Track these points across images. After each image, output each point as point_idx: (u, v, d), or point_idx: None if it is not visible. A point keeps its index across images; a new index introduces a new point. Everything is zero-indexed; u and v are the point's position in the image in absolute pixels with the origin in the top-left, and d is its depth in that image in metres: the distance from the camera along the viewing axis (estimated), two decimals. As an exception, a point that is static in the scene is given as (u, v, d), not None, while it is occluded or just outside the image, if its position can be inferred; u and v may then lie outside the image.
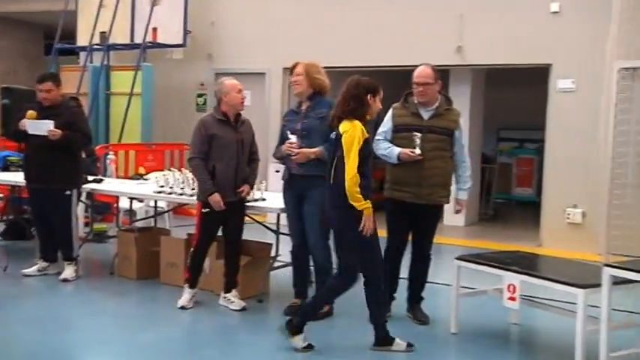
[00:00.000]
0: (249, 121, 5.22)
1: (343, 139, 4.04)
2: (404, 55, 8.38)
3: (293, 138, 4.82)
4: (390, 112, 4.85)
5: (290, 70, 5.01)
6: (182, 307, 5.08)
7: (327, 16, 9.44)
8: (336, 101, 4.22)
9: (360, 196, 3.99)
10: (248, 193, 5.15)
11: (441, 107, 4.78)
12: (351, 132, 4.03)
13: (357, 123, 4.07)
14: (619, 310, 4.35)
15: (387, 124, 4.82)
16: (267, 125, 9.49)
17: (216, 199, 4.89)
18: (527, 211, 10.65)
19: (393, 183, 4.79)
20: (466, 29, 8.48)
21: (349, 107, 4.09)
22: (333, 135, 4.19)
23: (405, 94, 4.87)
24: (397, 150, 4.67)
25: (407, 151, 4.63)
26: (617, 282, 3.80)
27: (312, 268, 5.09)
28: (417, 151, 4.61)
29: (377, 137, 4.80)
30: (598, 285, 3.81)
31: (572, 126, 7.92)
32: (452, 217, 9.62)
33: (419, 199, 4.70)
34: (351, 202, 3.99)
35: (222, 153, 4.92)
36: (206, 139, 4.91)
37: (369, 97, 4.15)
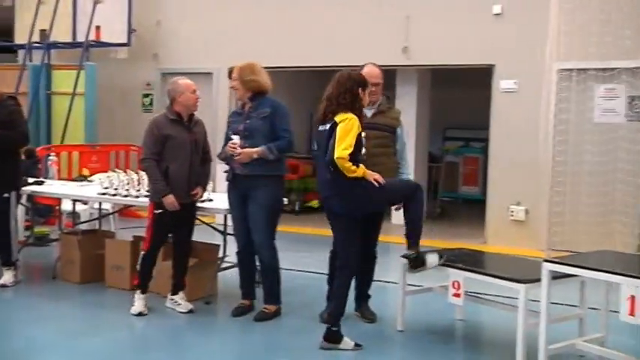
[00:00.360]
0: (202, 121, 5.16)
1: (340, 126, 4.06)
2: (351, 55, 8.40)
3: (235, 138, 4.82)
4: None
5: (228, 74, 5.03)
6: (139, 314, 4.97)
7: (275, 16, 9.42)
8: (327, 95, 4.23)
9: (352, 165, 4.04)
10: (201, 196, 5.10)
11: (382, 105, 4.87)
12: (350, 121, 4.08)
13: (353, 115, 4.12)
14: (559, 304, 4.47)
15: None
16: (214, 126, 9.39)
17: (170, 200, 4.82)
18: (473, 209, 10.85)
19: None
20: (412, 30, 8.59)
21: (345, 101, 4.15)
22: (327, 126, 4.17)
23: None
24: None
25: None
26: (557, 277, 3.91)
27: (258, 268, 5.08)
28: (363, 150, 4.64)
29: None
30: (538, 280, 3.91)
31: (514, 125, 8.11)
32: (400, 216, 9.76)
33: None
34: (349, 175, 4.03)
35: (176, 153, 4.85)
36: (159, 139, 4.84)
37: (360, 90, 4.21)
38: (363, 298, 5.01)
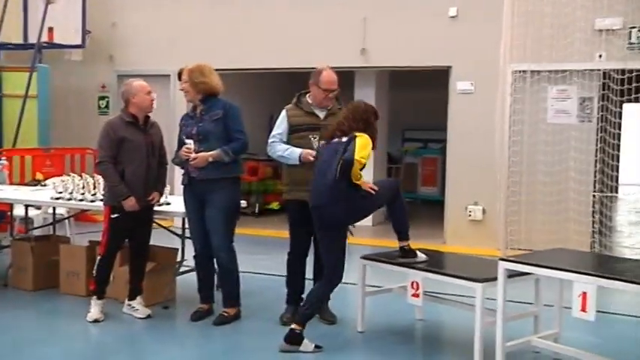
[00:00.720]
0: (158, 123, 5.10)
1: (360, 139, 4.21)
2: (309, 57, 8.41)
3: (189, 143, 4.77)
4: (283, 114, 4.88)
5: (178, 77, 4.96)
6: (95, 321, 4.87)
7: (232, 18, 9.36)
8: (339, 122, 4.39)
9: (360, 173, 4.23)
10: (158, 200, 5.03)
11: (334, 107, 4.88)
12: (368, 139, 4.26)
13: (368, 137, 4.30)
14: (515, 302, 4.54)
15: (281, 126, 4.85)
16: (173, 129, 9.27)
17: (131, 202, 4.76)
18: (432, 210, 10.96)
19: (293, 184, 4.81)
20: (369, 32, 8.64)
21: (359, 127, 4.32)
22: (342, 139, 4.29)
23: (298, 95, 4.94)
24: (298, 151, 4.70)
25: (309, 152, 4.67)
26: (512, 275, 3.98)
27: (217, 271, 5.04)
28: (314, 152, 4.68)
29: (271, 140, 4.84)
30: (495, 279, 3.96)
31: (471, 126, 8.22)
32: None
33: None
34: (355, 180, 4.20)
35: (132, 156, 4.79)
36: (115, 142, 4.77)
37: (373, 118, 4.43)
38: (323, 299, 5.01)
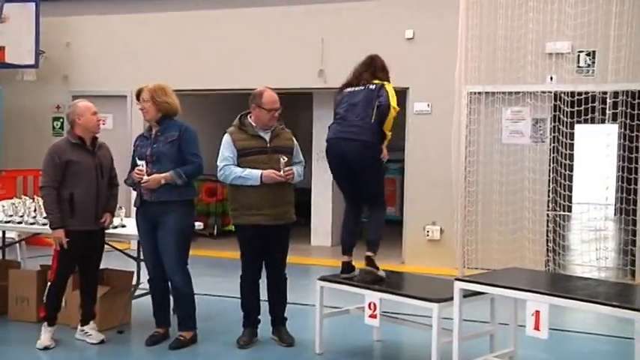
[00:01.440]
0: (107, 144, 5.03)
1: (389, 87, 4.49)
2: (267, 78, 8.42)
3: (141, 164, 4.70)
4: (227, 138, 4.80)
5: (136, 96, 4.86)
6: (45, 348, 4.73)
7: (189, 39, 9.33)
8: (361, 70, 4.66)
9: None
10: (110, 222, 4.94)
11: (277, 128, 4.87)
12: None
13: None
14: (471, 321, 4.58)
15: (228, 150, 4.76)
16: (129, 149, 9.17)
17: (59, 234, 4.66)
18: (392, 230, 10.89)
19: (246, 208, 4.73)
20: (327, 53, 8.70)
21: (383, 77, 4.60)
22: (373, 86, 4.52)
23: (240, 117, 4.89)
24: (257, 171, 4.67)
25: (272, 172, 4.65)
26: (468, 295, 4.01)
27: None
28: (282, 172, 4.66)
29: (224, 163, 4.75)
30: (451, 299, 3.99)
31: (428, 147, 8.32)
32: (319, 238, 9.81)
33: (277, 220, 4.75)
34: (387, 129, 4.48)
35: (80, 179, 4.70)
36: (60, 166, 4.67)
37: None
38: (279, 321, 4.97)
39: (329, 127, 4.71)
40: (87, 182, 4.72)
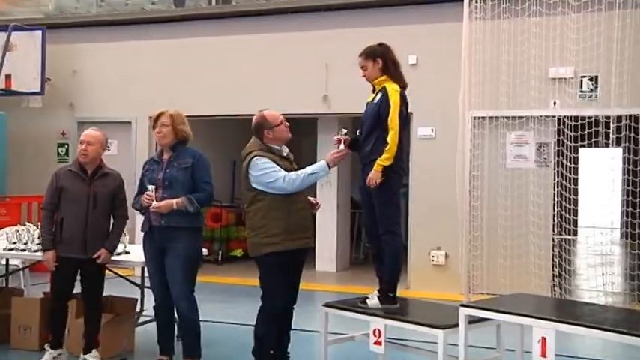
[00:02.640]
0: (116, 174, 5.00)
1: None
2: (272, 104, 8.43)
3: (151, 189, 4.68)
4: (263, 159, 4.44)
5: (154, 120, 4.80)
6: None
7: (194, 65, 9.42)
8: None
9: None
10: (106, 259, 4.87)
11: (288, 153, 4.72)
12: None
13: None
14: (477, 347, 4.53)
15: (272, 164, 4.44)
16: (133, 175, 9.21)
17: (48, 256, 4.79)
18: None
19: (290, 232, 4.40)
20: (331, 78, 8.76)
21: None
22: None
23: (260, 144, 4.56)
24: (320, 162, 4.44)
25: (334, 153, 4.40)
26: (473, 320, 3.98)
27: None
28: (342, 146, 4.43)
29: (281, 174, 4.39)
30: (456, 325, 3.96)
31: (433, 171, 8.32)
32: (323, 263, 9.78)
33: (311, 243, 4.73)
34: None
35: (70, 207, 4.79)
36: (56, 191, 4.83)
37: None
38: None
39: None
40: (75, 210, 4.78)
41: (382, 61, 4.52)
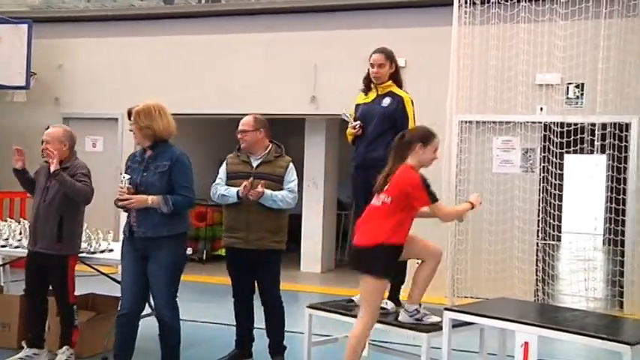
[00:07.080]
0: (79, 164, 4.91)
1: None
2: (260, 104, 8.47)
3: (123, 179, 4.30)
4: (225, 161, 5.03)
5: (128, 116, 4.58)
6: None
7: (181, 63, 9.37)
8: None
9: None
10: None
11: (270, 155, 4.89)
12: None
13: None
14: (461, 351, 4.54)
15: (222, 172, 4.99)
16: (119, 171, 9.15)
17: None
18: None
19: (225, 230, 4.96)
20: (320, 80, 8.74)
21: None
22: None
23: (239, 144, 5.00)
24: (235, 188, 4.77)
25: (241, 188, 4.71)
26: (457, 324, 3.98)
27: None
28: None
29: (215, 183, 4.96)
30: (440, 328, 3.96)
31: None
32: (308, 264, 9.76)
33: (248, 245, 4.75)
34: None
35: (34, 201, 4.92)
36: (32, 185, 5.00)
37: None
38: (275, 350, 4.97)
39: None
40: (34, 204, 4.88)
41: (395, 66, 4.56)
